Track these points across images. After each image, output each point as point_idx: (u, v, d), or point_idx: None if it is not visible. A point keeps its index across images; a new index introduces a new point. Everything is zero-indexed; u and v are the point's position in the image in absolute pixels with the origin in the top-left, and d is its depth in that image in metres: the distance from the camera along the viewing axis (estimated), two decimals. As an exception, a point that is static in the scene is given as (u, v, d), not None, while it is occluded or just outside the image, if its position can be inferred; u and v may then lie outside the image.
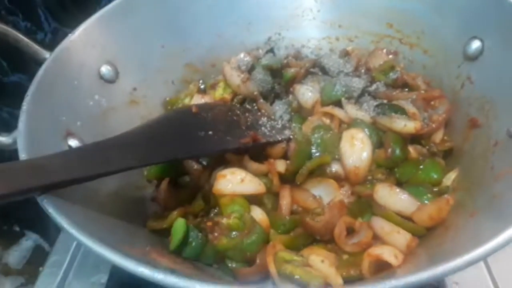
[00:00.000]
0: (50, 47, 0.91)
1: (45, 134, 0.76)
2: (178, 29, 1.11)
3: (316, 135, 0.91)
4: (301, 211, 0.85)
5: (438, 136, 0.92)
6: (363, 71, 1.07)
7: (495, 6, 0.86)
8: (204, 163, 0.94)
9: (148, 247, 0.70)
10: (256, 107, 1.04)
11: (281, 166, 0.88)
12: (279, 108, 1.02)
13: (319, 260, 0.71)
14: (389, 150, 0.87)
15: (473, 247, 0.49)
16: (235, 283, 0.74)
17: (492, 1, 0.87)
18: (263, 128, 0.94)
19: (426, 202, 0.78)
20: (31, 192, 0.59)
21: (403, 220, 0.77)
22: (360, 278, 0.71)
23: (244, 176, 0.83)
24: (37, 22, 1.35)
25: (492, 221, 0.62)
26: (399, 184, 0.85)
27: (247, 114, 0.98)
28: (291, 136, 0.92)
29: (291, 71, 1.05)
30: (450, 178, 0.85)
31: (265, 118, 0.99)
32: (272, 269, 0.69)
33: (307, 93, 0.99)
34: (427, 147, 0.92)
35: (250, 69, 1.07)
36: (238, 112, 0.97)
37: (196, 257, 0.79)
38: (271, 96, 1.08)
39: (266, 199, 0.85)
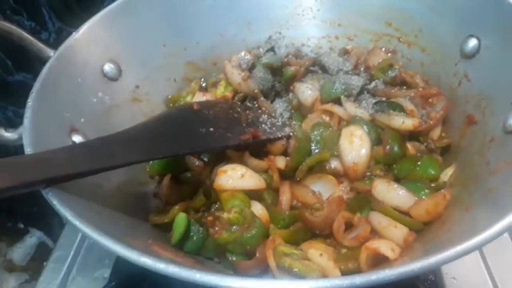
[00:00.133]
0: (54, 46, 0.93)
1: (50, 130, 0.78)
2: (179, 28, 1.12)
3: (315, 132, 0.92)
4: (301, 206, 0.86)
5: (435, 133, 0.93)
6: (362, 69, 1.08)
7: (491, 5, 0.87)
8: (205, 159, 0.95)
9: (150, 240, 0.71)
10: (256, 105, 1.05)
11: (281, 162, 0.89)
12: (279, 106, 1.03)
13: (318, 254, 0.72)
14: (388, 146, 0.88)
15: (466, 238, 0.50)
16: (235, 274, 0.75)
17: (488, 0, 0.88)
18: (263, 125, 0.95)
19: (423, 197, 0.79)
20: (36, 185, 0.61)
21: (401, 215, 0.78)
22: (358, 272, 0.72)
23: (244, 171, 0.84)
24: (41, 22, 1.37)
25: (486, 213, 0.63)
26: (397, 180, 0.86)
27: (247, 112, 0.99)
28: (291, 133, 0.93)
29: (291, 70, 1.07)
30: (447, 174, 0.86)
31: (266, 116, 1.00)
32: (272, 262, 0.71)
33: (307, 91, 1.00)
34: (425, 143, 0.93)
35: (251, 68, 1.08)
36: (239, 109, 0.99)
37: (197, 251, 0.80)
38: (271, 94, 1.09)
39: (266, 194, 0.86)
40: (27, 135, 0.72)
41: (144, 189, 0.94)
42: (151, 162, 0.94)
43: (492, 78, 0.87)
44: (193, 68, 1.16)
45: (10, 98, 1.46)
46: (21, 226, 1.36)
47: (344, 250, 0.78)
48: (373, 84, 1.03)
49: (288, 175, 0.90)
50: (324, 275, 0.68)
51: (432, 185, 0.85)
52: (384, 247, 0.71)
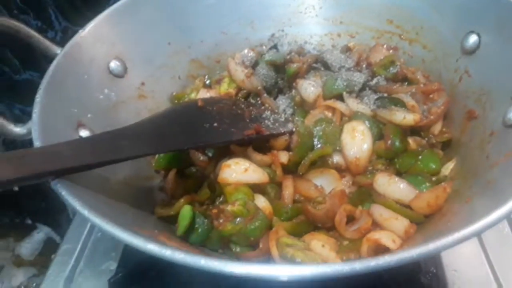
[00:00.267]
0: (61, 45, 0.94)
1: (58, 124, 0.79)
2: (183, 27, 1.14)
3: (318, 128, 0.94)
4: (303, 200, 0.87)
5: (436, 128, 0.94)
6: (364, 66, 1.09)
7: (491, 2, 0.88)
8: (210, 154, 0.96)
9: (156, 231, 0.73)
10: (260, 102, 1.06)
11: (284, 157, 0.90)
12: (282, 102, 1.05)
13: (320, 245, 0.74)
14: (389, 141, 0.89)
15: (464, 226, 0.52)
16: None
17: (488, -3, 0.89)
18: (266, 121, 0.97)
19: (424, 190, 0.80)
20: (45, 176, 0.62)
21: (402, 207, 0.79)
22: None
23: (248, 166, 0.85)
24: (47, 21, 1.39)
25: (485, 203, 0.64)
26: (399, 174, 0.87)
27: (251, 108, 1.00)
28: (294, 129, 0.94)
29: (294, 66, 1.08)
30: (448, 168, 0.88)
31: (269, 112, 1.01)
32: (274, 252, 0.72)
33: (309, 87, 1.01)
34: (426, 138, 0.94)
35: (254, 65, 1.10)
36: (243, 106, 1.00)
37: (202, 243, 0.82)
38: (274, 90, 1.10)
39: (270, 188, 0.87)
40: (36, 129, 0.74)
41: (150, 183, 0.96)
42: (156, 157, 0.96)
43: (492, 74, 0.88)
44: (197, 65, 1.17)
45: (17, 96, 1.48)
46: (29, 222, 1.38)
47: (346, 242, 0.79)
48: (374, 80, 1.04)
49: (291, 169, 0.91)
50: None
51: (433, 179, 0.86)
52: (385, 238, 0.72)
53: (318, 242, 0.74)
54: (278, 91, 1.11)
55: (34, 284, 1.23)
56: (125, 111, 0.98)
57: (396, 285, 0.86)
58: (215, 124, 0.89)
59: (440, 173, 0.88)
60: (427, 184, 0.82)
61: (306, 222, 0.83)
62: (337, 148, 0.91)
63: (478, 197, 0.69)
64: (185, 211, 0.79)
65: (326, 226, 0.82)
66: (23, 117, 1.49)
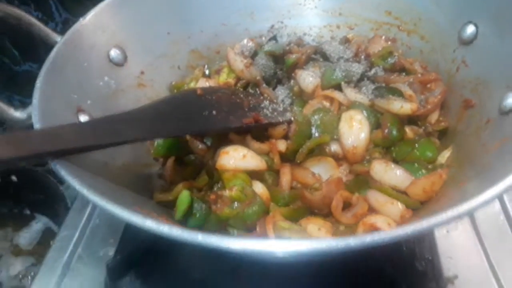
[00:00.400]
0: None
1: (58, 109, 0.80)
2: (183, 17, 1.14)
3: (316, 117, 0.94)
4: (300, 187, 0.88)
5: (433, 117, 0.95)
6: (362, 57, 1.10)
7: (488, -8, 0.89)
8: (208, 143, 0.97)
9: (155, 214, 0.74)
10: (258, 92, 1.07)
11: (282, 145, 0.91)
12: (281, 92, 1.05)
13: (316, 228, 0.75)
14: (386, 130, 0.89)
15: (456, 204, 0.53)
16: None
17: (485, -13, 0.90)
18: (265, 110, 0.97)
19: (420, 177, 0.81)
20: (45, 156, 0.63)
21: (398, 193, 0.80)
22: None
23: (246, 152, 0.86)
24: (48, 12, 1.40)
25: (478, 185, 0.65)
26: (395, 162, 0.87)
27: (249, 98, 1.00)
28: (292, 119, 0.94)
29: (293, 57, 1.08)
30: (444, 156, 0.88)
31: (267, 102, 1.01)
32: (271, 234, 0.73)
33: (308, 78, 1.02)
34: (423, 127, 0.94)
35: (253, 55, 1.11)
36: (241, 95, 1.00)
37: (200, 227, 0.82)
38: (273, 81, 1.11)
39: (267, 175, 0.88)
40: (36, 113, 0.75)
41: (149, 170, 0.96)
42: (155, 144, 0.97)
43: (489, 63, 0.88)
44: (196, 56, 1.18)
45: (17, 87, 1.49)
46: (28, 212, 1.38)
47: (342, 228, 0.79)
48: (373, 71, 1.04)
49: (288, 158, 0.92)
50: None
51: (429, 166, 0.86)
52: (381, 222, 0.73)
53: (314, 226, 0.75)
54: (277, 81, 1.11)
55: (32, 273, 1.24)
56: (125, 99, 0.99)
57: (392, 273, 0.87)
58: (214, 112, 0.89)
59: (436, 161, 0.88)
60: (423, 171, 0.83)
61: (303, 208, 0.83)
62: (335, 137, 0.92)
63: (471, 180, 0.70)
64: (184, 196, 0.80)
65: (323, 212, 0.83)
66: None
